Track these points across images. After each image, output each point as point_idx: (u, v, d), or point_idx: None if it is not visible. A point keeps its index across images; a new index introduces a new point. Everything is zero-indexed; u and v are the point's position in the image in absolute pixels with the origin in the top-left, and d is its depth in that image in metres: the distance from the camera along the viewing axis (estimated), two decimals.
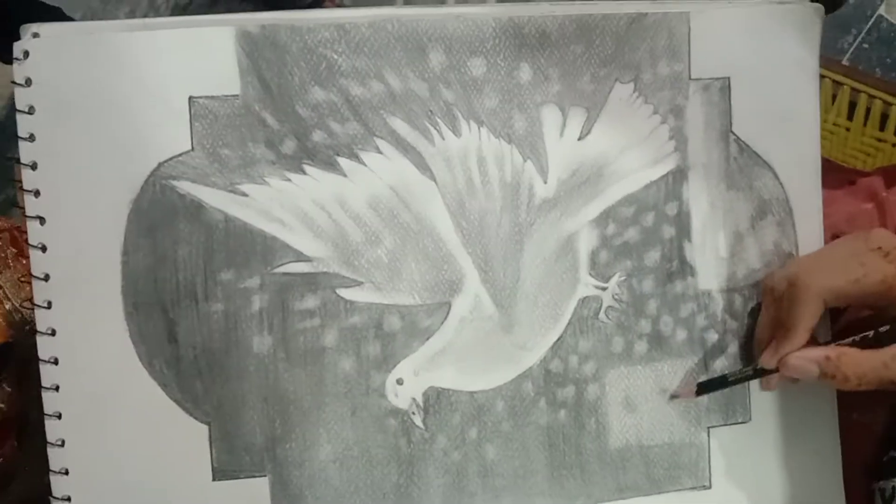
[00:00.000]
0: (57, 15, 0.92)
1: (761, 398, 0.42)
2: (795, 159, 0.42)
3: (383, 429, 0.39)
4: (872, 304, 0.38)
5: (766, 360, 0.39)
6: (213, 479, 0.37)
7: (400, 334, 0.38)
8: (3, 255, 0.44)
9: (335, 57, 0.37)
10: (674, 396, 0.41)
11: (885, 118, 0.69)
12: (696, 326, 0.41)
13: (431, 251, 0.39)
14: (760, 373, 0.39)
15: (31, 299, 0.36)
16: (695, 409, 0.41)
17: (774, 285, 0.39)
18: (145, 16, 1.05)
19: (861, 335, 0.37)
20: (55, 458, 0.37)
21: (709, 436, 0.41)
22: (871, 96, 0.69)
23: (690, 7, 0.40)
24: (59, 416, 0.37)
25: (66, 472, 0.37)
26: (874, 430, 0.45)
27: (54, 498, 0.37)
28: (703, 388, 0.40)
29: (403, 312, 0.38)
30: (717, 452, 0.42)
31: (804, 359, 0.37)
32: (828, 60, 0.71)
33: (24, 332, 0.40)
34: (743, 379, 0.40)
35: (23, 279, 0.42)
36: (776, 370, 0.39)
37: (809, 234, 0.42)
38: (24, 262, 0.39)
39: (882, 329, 0.37)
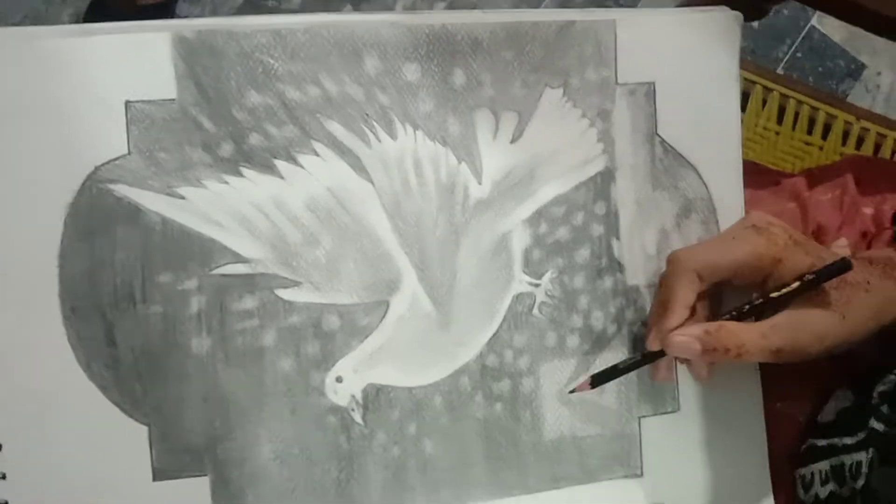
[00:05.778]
0: None
1: (689, 389, 0.44)
2: (718, 160, 0.44)
3: (323, 426, 0.39)
4: (749, 280, 0.40)
5: (651, 343, 0.40)
6: (154, 480, 0.38)
7: (339, 333, 0.39)
8: None
9: (271, 62, 0.38)
10: (572, 391, 0.42)
11: (812, 122, 0.71)
12: (625, 320, 0.43)
13: (369, 251, 0.40)
14: (649, 357, 0.40)
15: None
16: (626, 400, 0.43)
17: (662, 270, 0.41)
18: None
19: (737, 309, 0.39)
20: None
21: (640, 426, 0.43)
22: (800, 102, 0.72)
23: (617, 15, 0.42)
24: None
25: (4, 477, 0.37)
26: (798, 419, 0.47)
27: None
28: (597, 380, 0.41)
29: (342, 311, 0.39)
30: (648, 441, 0.43)
31: (685, 335, 0.38)
32: (759, 68, 0.74)
33: None
34: (633, 366, 0.41)
35: None
36: (662, 353, 0.39)
37: None
38: None
39: (757, 301, 0.39)
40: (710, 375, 0.41)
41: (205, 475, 0.38)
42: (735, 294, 0.41)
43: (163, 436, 0.38)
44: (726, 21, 0.44)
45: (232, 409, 0.38)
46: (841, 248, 0.49)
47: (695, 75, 0.43)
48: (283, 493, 0.39)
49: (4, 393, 0.37)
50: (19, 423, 0.37)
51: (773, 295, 0.38)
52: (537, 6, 1.14)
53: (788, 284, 0.38)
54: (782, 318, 0.38)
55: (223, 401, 0.38)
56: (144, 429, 0.38)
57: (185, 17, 1.05)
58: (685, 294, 0.39)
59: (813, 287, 0.38)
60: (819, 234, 0.51)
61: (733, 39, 0.44)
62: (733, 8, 0.44)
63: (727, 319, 0.39)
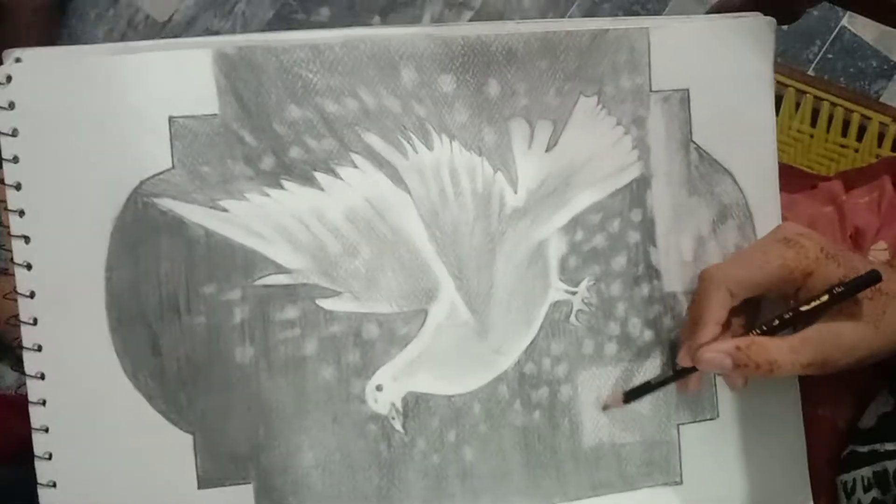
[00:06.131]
0: None
1: (728, 396, 0.44)
2: (753, 165, 0.44)
3: (364, 434, 0.40)
4: (780, 292, 0.39)
5: (682, 359, 0.40)
6: (199, 488, 0.38)
7: (378, 342, 0.40)
8: None
9: (310, 76, 0.39)
10: (605, 406, 0.42)
11: (846, 124, 0.71)
12: (663, 327, 0.43)
13: (407, 261, 0.40)
14: (681, 373, 0.40)
15: (16, 316, 0.37)
16: (664, 407, 0.43)
17: (695, 286, 0.41)
18: (123, 34, 1.06)
19: (767, 323, 0.38)
20: (43, 471, 0.38)
21: (679, 433, 0.43)
22: (833, 104, 0.71)
23: (650, 23, 0.42)
24: (47, 430, 0.37)
25: (54, 485, 0.38)
26: (837, 424, 0.47)
27: None
28: (630, 396, 0.41)
29: (381, 320, 0.40)
30: (687, 449, 0.43)
31: (716, 351, 0.37)
32: (792, 70, 0.74)
33: None
34: (666, 381, 0.41)
35: None
36: (694, 369, 0.39)
37: None
38: None
39: (787, 315, 0.38)
40: (745, 384, 0.40)
41: (249, 483, 0.39)
42: (773, 305, 0.41)
43: (208, 444, 0.38)
44: (760, 27, 0.43)
45: (275, 418, 0.39)
46: (880, 251, 0.49)
47: (729, 81, 0.43)
48: (325, 501, 0.39)
49: (54, 403, 0.38)
50: (69, 432, 0.38)
51: (803, 308, 0.38)
52: (564, 14, 1.14)
53: (819, 297, 0.38)
54: (813, 332, 0.37)
55: (266, 409, 0.39)
56: (190, 437, 0.38)
57: (216, 31, 1.06)
58: (716, 311, 0.38)
59: (843, 299, 0.37)
60: (857, 238, 0.51)
61: (767, 45, 0.43)
62: (766, 13, 0.44)
63: (759, 334, 0.38)
